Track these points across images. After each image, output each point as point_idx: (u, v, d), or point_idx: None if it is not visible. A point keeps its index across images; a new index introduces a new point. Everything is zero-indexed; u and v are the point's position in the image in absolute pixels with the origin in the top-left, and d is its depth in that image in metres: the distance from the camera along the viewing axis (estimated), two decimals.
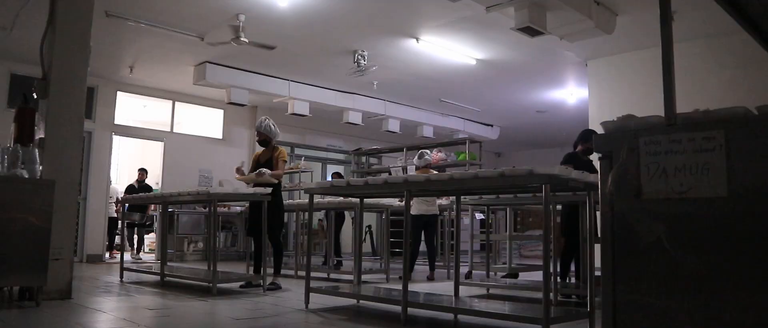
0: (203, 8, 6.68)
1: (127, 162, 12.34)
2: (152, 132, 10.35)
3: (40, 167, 4.41)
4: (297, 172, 10.11)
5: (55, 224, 4.24)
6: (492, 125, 12.86)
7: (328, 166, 13.06)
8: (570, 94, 10.05)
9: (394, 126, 11.03)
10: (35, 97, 4.74)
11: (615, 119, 1.77)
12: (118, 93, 9.84)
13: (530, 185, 3.49)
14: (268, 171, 5.39)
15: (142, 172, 10.32)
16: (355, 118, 10.39)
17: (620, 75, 7.95)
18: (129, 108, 10.70)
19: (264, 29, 7.14)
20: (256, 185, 5.53)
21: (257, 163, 5.73)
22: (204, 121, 11.09)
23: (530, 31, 5.79)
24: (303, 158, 10.10)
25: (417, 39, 7.49)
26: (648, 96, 7.65)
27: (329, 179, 13.65)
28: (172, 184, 10.26)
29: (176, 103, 10.48)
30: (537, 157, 16.12)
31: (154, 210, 10.23)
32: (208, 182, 10.66)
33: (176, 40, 7.59)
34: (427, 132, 11.68)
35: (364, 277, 6.09)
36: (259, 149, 5.89)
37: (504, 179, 3.32)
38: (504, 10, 5.78)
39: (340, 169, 13.89)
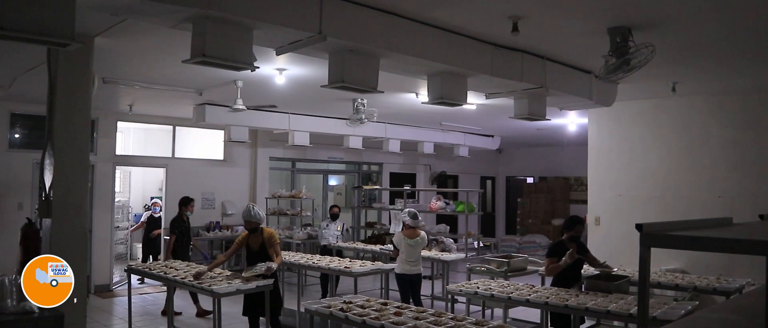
0: (199, 75, 6.61)
1: (134, 182, 12.35)
2: (154, 159, 10.37)
3: None
4: (299, 198, 10.23)
5: None
6: (492, 136, 12.85)
7: (328, 176, 13.14)
8: (571, 122, 10.00)
9: (394, 146, 11.05)
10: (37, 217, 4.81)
11: None
12: (119, 123, 9.83)
13: None
14: (274, 266, 5.51)
15: None
16: (356, 143, 10.40)
17: (619, 120, 7.93)
18: (129, 133, 10.73)
19: (263, 92, 7.09)
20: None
21: (249, 249, 5.80)
22: (205, 144, 11.08)
23: (529, 119, 5.77)
24: (304, 187, 10.17)
25: (416, 94, 7.44)
26: (645, 140, 7.70)
27: (332, 183, 13.77)
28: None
29: (177, 128, 10.48)
30: (536, 154, 16.15)
31: None
32: (210, 205, 10.78)
33: (173, 91, 7.55)
34: (428, 149, 11.71)
35: None
36: (244, 232, 5.91)
37: None
38: (504, 97, 5.75)
39: (340, 179, 14.01)
